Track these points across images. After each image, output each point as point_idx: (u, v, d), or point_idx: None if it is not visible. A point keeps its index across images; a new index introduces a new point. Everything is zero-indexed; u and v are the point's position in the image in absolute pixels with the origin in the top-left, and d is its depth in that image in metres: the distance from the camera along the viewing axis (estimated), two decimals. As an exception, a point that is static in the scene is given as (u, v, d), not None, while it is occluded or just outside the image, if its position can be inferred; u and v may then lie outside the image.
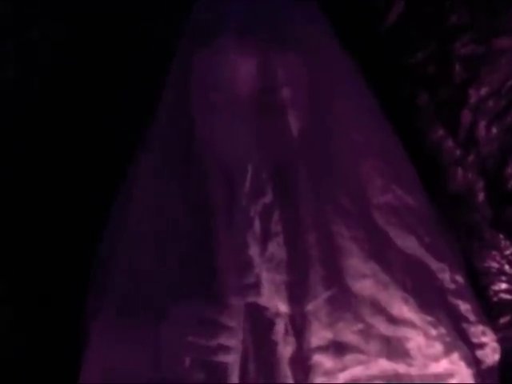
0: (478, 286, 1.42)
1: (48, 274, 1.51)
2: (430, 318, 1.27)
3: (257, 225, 1.21)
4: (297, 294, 1.23)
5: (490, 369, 1.33)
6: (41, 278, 1.51)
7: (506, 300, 1.46)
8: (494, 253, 1.46)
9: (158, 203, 1.29)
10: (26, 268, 1.51)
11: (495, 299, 1.46)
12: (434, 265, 1.31)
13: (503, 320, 1.45)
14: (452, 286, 1.32)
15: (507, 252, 1.45)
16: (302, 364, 1.22)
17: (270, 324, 1.22)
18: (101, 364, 1.27)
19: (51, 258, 1.52)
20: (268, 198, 1.22)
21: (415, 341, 1.26)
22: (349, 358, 1.24)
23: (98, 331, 1.29)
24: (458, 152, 1.48)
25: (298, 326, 1.23)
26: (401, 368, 1.25)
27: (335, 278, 1.24)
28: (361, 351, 1.24)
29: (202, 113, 1.28)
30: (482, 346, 1.32)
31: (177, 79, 1.31)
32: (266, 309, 1.22)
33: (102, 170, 1.53)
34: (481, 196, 1.47)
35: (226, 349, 1.19)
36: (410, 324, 1.26)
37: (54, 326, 1.49)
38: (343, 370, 1.24)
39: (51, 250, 1.52)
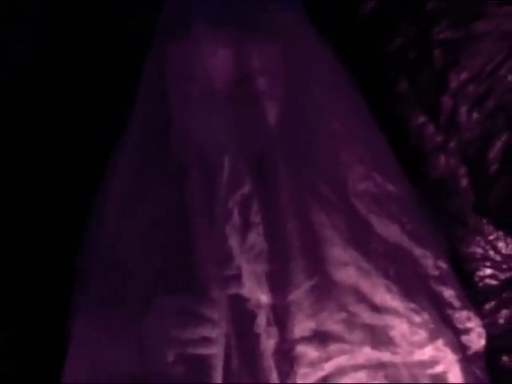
0: (463, 272, 1.42)
1: (35, 273, 1.51)
2: (413, 305, 1.26)
3: (236, 216, 1.21)
4: (278, 284, 1.22)
5: (476, 354, 1.33)
6: (29, 277, 1.50)
7: (492, 285, 1.45)
8: (478, 238, 1.45)
9: (136, 196, 1.28)
10: (14, 267, 1.50)
11: (480, 285, 1.45)
12: (417, 251, 1.31)
13: (489, 305, 1.44)
14: (435, 273, 1.31)
15: (491, 237, 1.44)
16: (286, 355, 1.22)
17: (252, 316, 1.22)
18: (84, 359, 1.26)
19: (38, 257, 1.51)
20: (246, 189, 1.21)
21: (399, 328, 1.25)
22: (333, 347, 1.23)
23: (80, 326, 1.29)
24: (439, 138, 1.47)
25: (281, 317, 1.22)
26: (385, 356, 1.25)
27: (317, 267, 1.23)
28: (345, 340, 1.24)
29: (179, 104, 1.27)
30: (467, 331, 1.32)
31: (152, 72, 1.31)
32: (247, 300, 1.22)
33: (85, 163, 1.52)
34: (464, 181, 1.46)
35: (208, 341, 1.18)
36: (394, 312, 1.26)
37: (44, 324, 1.49)
38: (328, 359, 1.23)
39: (38, 250, 1.51)
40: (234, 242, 1.20)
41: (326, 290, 1.23)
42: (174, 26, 1.27)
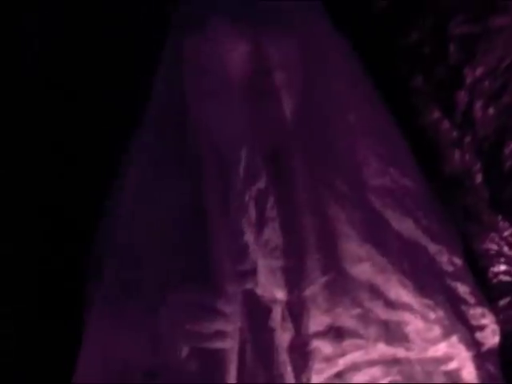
0: (477, 268, 1.41)
1: (47, 268, 1.51)
2: (428, 301, 1.26)
3: (252, 210, 1.20)
4: (294, 279, 1.22)
5: (490, 351, 1.33)
6: (40, 271, 1.50)
7: (506, 282, 1.44)
8: (492, 234, 1.44)
9: (152, 190, 1.28)
10: (28, 256, 1.50)
11: (495, 281, 1.45)
12: (432, 247, 1.30)
13: (503, 302, 1.43)
14: (450, 269, 1.31)
15: (506, 233, 1.44)
16: (301, 350, 1.22)
17: (267, 310, 1.22)
18: (98, 349, 1.27)
19: (52, 247, 1.51)
20: (263, 183, 1.21)
21: (414, 324, 1.25)
22: (348, 343, 1.23)
23: (94, 316, 1.29)
24: (454, 133, 1.46)
25: (296, 312, 1.22)
26: (400, 352, 1.25)
27: (332, 263, 1.23)
28: (359, 336, 1.24)
29: (196, 98, 1.27)
30: (481, 328, 1.31)
31: (169, 65, 1.30)
32: (262, 295, 1.22)
33: (98, 160, 1.51)
34: (478, 177, 1.45)
35: (223, 335, 1.19)
36: (408, 308, 1.25)
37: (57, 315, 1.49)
38: (342, 355, 1.23)
39: (50, 245, 1.51)
40: (249, 236, 1.20)
41: (341, 286, 1.23)
42: (190, 22, 1.26)
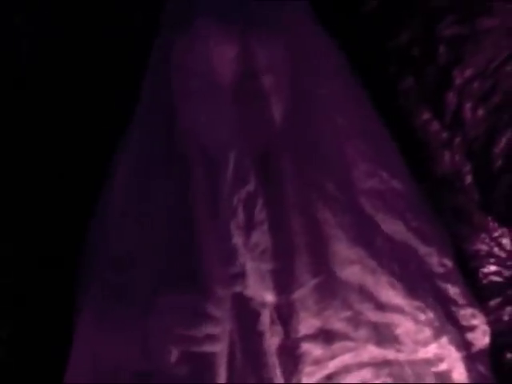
0: (468, 269, 1.41)
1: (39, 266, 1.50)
2: (418, 303, 1.26)
3: (240, 213, 1.20)
4: (283, 282, 1.22)
5: (481, 351, 1.33)
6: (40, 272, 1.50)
7: (496, 282, 1.45)
8: (482, 235, 1.45)
9: (142, 193, 1.28)
10: (19, 261, 1.50)
11: (485, 282, 1.45)
12: (422, 249, 1.30)
13: (493, 303, 1.44)
14: (440, 270, 1.31)
15: (496, 234, 1.44)
16: (291, 353, 1.21)
17: (256, 314, 1.21)
18: (87, 355, 1.27)
19: (42, 251, 1.51)
20: (251, 186, 1.21)
21: (404, 326, 1.25)
22: (338, 345, 1.23)
23: (84, 321, 1.28)
24: (444, 135, 1.46)
25: (285, 315, 1.22)
26: (390, 354, 1.25)
27: (322, 265, 1.23)
28: (350, 338, 1.23)
29: (183, 100, 1.27)
30: (472, 328, 1.31)
31: (157, 67, 1.30)
32: (251, 298, 1.21)
33: (89, 159, 1.51)
34: (468, 178, 1.45)
35: (212, 339, 1.18)
36: (399, 309, 1.25)
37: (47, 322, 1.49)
38: (332, 358, 1.23)
39: (41, 245, 1.51)
40: (238, 239, 1.19)
41: (330, 288, 1.23)
42: (178, 22, 1.26)
